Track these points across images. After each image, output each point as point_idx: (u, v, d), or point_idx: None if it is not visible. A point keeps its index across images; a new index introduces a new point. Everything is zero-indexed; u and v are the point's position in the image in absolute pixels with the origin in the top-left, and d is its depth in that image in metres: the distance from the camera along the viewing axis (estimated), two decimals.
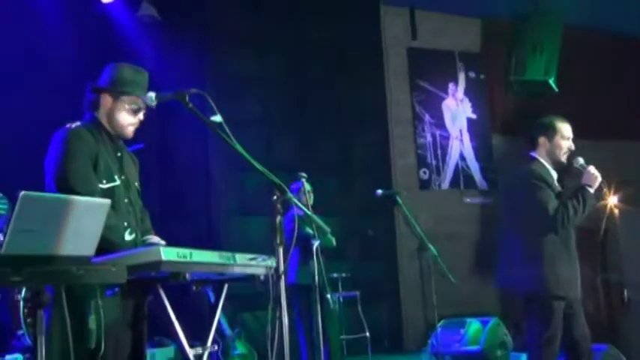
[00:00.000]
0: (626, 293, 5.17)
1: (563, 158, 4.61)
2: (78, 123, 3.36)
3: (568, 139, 4.64)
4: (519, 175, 4.65)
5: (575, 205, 4.35)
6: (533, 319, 4.49)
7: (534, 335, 4.45)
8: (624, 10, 10.31)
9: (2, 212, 5.72)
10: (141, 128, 3.63)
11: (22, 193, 2.27)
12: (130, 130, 3.47)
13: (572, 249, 4.52)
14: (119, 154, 3.46)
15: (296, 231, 5.39)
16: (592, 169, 4.50)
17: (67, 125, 3.32)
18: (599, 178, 4.47)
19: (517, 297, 4.82)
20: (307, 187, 6.98)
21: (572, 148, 4.63)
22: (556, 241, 4.41)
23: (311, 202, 7.04)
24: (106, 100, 3.42)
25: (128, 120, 3.44)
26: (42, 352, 2.42)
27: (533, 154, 4.65)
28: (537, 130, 4.67)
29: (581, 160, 4.57)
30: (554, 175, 4.58)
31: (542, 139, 4.63)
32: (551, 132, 4.62)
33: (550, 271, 4.37)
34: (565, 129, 4.64)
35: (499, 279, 4.84)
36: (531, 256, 4.42)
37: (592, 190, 4.44)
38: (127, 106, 3.42)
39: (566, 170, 4.67)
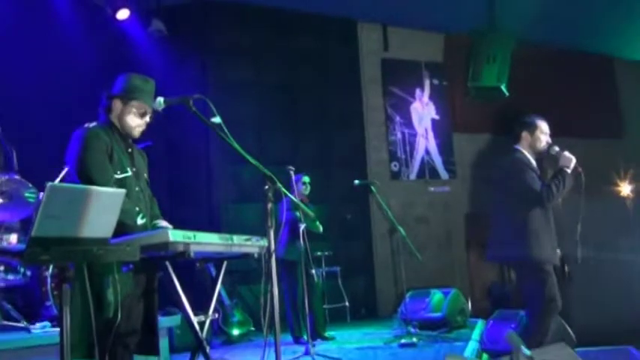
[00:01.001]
0: (567, 269, 5.22)
1: (542, 149, 4.69)
2: (94, 123, 3.36)
3: (546, 133, 4.74)
4: (507, 163, 4.69)
5: (557, 184, 4.45)
6: (529, 283, 4.55)
7: (535, 297, 4.49)
8: (566, 28, 10.39)
9: (31, 200, 5.69)
10: (151, 128, 3.62)
11: (49, 184, 2.27)
12: (137, 131, 3.46)
13: (552, 224, 4.62)
14: (129, 150, 3.46)
15: (285, 214, 5.43)
16: (567, 153, 4.59)
17: (85, 125, 3.32)
18: (574, 160, 4.55)
19: (510, 266, 4.89)
20: (306, 179, 7.03)
21: (550, 141, 4.72)
22: (539, 217, 4.50)
23: (307, 192, 7.09)
24: (117, 105, 3.40)
25: (136, 122, 3.43)
26: (67, 320, 2.42)
27: (517, 146, 4.72)
28: (521, 126, 4.74)
29: (556, 148, 4.65)
30: (534, 164, 4.65)
31: (524, 134, 4.71)
32: (532, 128, 4.71)
33: (535, 242, 4.46)
34: (543, 125, 4.74)
35: (489, 254, 4.86)
36: (520, 231, 4.50)
37: (569, 171, 4.52)
38: (134, 110, 3.41)
39: (541, 163, 4.75)
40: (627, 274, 7.39)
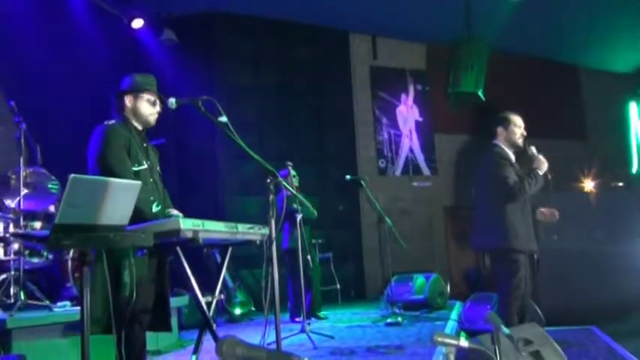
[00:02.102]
0: (535, 256, 5.21)
1: (519, 142, 4.59)
2: (113, 121, 3.33)
3: (520, 127, 4.63)
4: (488, 157, 4.60)
5: (529, 182, 4.38)
6: (501, 270, 4.47)
7: (504, 283, 4.44)
8: (536, 39, 10.42)
9: (54, 191, 5.65)
10: (162, 127, 3.60)
11: (72, 176, 2.24)
12: (153, 118, 3.44)
13: (528, 214, 4.55)
14: (145, 145, 3.43)
15: (284, 209, 5.39)
16: (541, 157, 4.54)
17: (105, 122, 3.29)
18: (547, 165, 4.50)
19: (487, 254, 4.83)
20: (293, 172, 6.97)
21: (525, 133, 4.63)
22: (515, 208, 4.42)
23: (296, 184, 7.04)
24: (129, 100, 3.39)
25: (150, 110, 3.41)
26: (87, 299, 2.39)
27: (495, 141, 4.64)
28: (496, 122, 4.65)
29: (534, 149, 4.58)
30: (513, 157, 4.60)
31: (500, 129, 4.61)
32: (506, 123, 4.62)
33: (512, 231, 4.39)
34: (517, 119, 4.64)
35: (472, 242, 4.82)
36: (497, 221, 4.43)
37: (541, 173, 4.46)
38: (146, 100, 3.40)
39: (520, 156, 4.69)
40: (590, 262, 7.42)
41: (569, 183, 10.25)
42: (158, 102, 3.44)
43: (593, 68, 12.30)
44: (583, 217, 7.79)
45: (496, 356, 1.93)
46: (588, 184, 10.84)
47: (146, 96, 3.40)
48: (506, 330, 2.00)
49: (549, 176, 4.55)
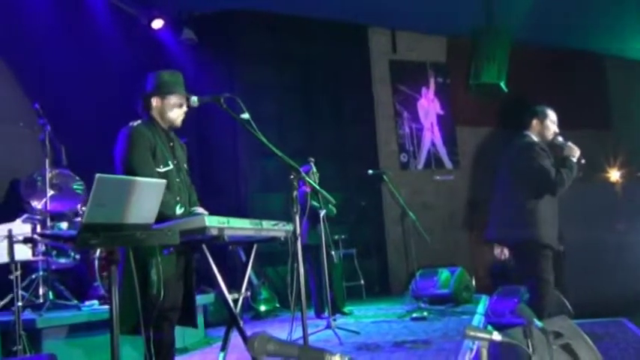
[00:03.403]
0: (562, 248, 5.12)
1: (550, 138, 4.50)
2: (139, 121, 3.32)
3: (554, 123, 4.54)
4: (520, 146, 4.46)
5: (566, 172, 4.25)
6: (530, 263, 4.35)
7: (533, 276, 4.34)
8: (560, 28, 10.26)
9: (79, 191, 5.72)
10: (185, 126, 3.60)
11: (98, 175, 2.25)
12: (180, 120, 3.42)
13: (556, 210, 4.43)
14: (171, 144, 3.42)
15: (307, 205, 5.39)
16: (571, 143, 4.42)
17: (130, 124, 3.28)
18: (578, 151, 4.38)
19: (510, 246, 4.69)
20: (314, 169, 6.98)
21: (557, 131, 4.54)
22: (547, 201, 4.32)
23: (317, 181, 7.03)
24: (156, 102, 3.36)
25: (176, 113, 3.39)
26: (115, 298, 2.41)
27: (527, 132, 4.52)
28: (531, 114, 4.54)
29: (561, 138, 4.47)
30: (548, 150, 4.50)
31: (535, 121, 4.50)
32: (542, 116, 4.51)
33: (542, 225, 4.28)
34: (553, 115, 4.55)
35: (490, 234, 4.70)
36: (527, 213, 4.29)
37: (575, 160, 4.34)
38: (173, 103, 3.38)
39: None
40: (617, 253, 7.30)
41: (594, 173, 10.10)
42: (185, 103, 3.42)
43: (618, 56, 12.09)
44: (609, 207, 7.67)
45: (529, 349, 1.90)
46: (614, 175, 10.68)
47: (174, 98, 3.37)
48: (538, 323, 1.97)
49: (582, 161, 4.41)
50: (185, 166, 3.50)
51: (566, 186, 4.28)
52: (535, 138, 4.47)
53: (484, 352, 1.77)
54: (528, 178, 4.33)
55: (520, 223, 4.34)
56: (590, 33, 10.64)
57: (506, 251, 7.14)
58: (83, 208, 5.58)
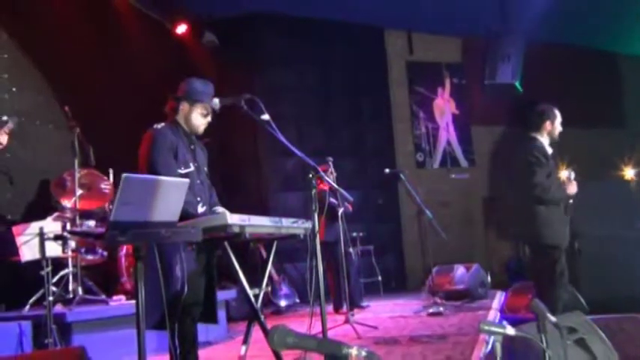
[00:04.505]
0: (577, 245, 5.09)
1: (557, 137, 4.60)
2: (162, 124, 3.36)
3: (561, 123, 4.63)
4: (526, 149, 4.53)
5: (556, 190, 4.42)
6: (541, 261, 4.45)
7: (545, 274, 4.43)
8: (573, 28, 10.15)
9: (107, 191, 5.79)
10: (207, 127, 3.62)
11: (124, 175, 2.28)
12: (202, 129, 3.46)
13: (561, 209, 4.51)
14: (192, 147, 3.45)
15: (327, 203, 5.40)
16: (575, 184, 4.53)
17: (155, 126, 3.32)
18: (575, 189, 4.50)
19: (527, 246, 4.80)
20: (331, 168, 6.99)
21: (561, 129, 4.64)
22: (548, 205, 4.40)
23: (334, 181, 7.04)
24: (184, 106, 3.40)
25: (201, 121, 3.43)
26: (141, 293, 2.44)
27: (536, 134, 4.57)
28: (543, 116, 4.59)
29: (572, 175, 4.58)
30: (550, 150, 4.54)
31: (547, 123, 4.57)
32: (553, 117, 4.58)
33: (548, 227, 4.37)
34: (559, 115, 4.63)
35: (508, 232, 4.84)
36: (533, 214, 4.41)
37: (568, 193, 4.50)
38: (199, 111, 3.41)
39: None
40: (632, 250, 7.21)
41: (609, 171, 9.98)
42: (210, 113, 3.46)
43: (632, 55, 11.94)
44: (623, 204, 7.58)
45: (543, 344, 1.90)
46: (629, 172, 10.53)
47: (201, 107, 3.41)
48: (552, 318, 1.96)
49: (570, 201, 4.54)
50: (205, 168, 3.53)
51: (548, 198, 4.40)
52: (543, 140, 4.52)
53: (498, 347, 1.77)
54: (524, 180, 4.44)
55: (525, 222, 4.46)
56: (604, 32, 10.51)
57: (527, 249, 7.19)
58: (110, 207, 5.65)
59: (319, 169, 3.42)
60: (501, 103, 10.64)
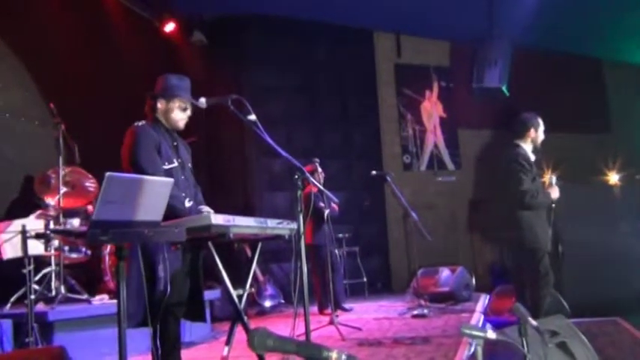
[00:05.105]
0: (561, 249, 5.14)
1: (540, 145, 4.67)
2: (144, 122, 3.35)
3: (543, 131, 4.69)
4: (510, 155, 4.59)
5: (542, 194, 4.49)
6: (525, 265, 4.51)
7: (528, 277, 4.48)
8: (559, 34, 10.23)
9: (92, 189, 5.74)
10: (194, 125, 3.60)
11: (108, 174, 2.26)
12: (182, 124, 3.44)
13: (544, 215, 4.58)
14: (175, 144, 3.44)
15: (312, 203, 5.39)
16: (556, 186, 4.61)
17: (136, 123, 3.31)
18: (557, 194, 4.58)
19: (510, 249, 4.87)
20: (319, 169, 6.99)
21: (544, 137, 4.71)
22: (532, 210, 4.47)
23: (322, 182, 7.05)
24: (162, 103, 3.39)
25: (180, 116, 3.41)
26: (123, 293, 2.42)
27: (519, 142, 4.63)
28: (528, 123, 4.65)
29: (554, 179, 4.65)
30: (533, 158, 4.60)
31: (530, 131, 4.63)
32: (537, 125, 4.64)
33: (529, 231, 4.43)
34: (542, 124, 4.70)
35: (493, 235, 4.89)
36: (516, 219, 4.46)
37: (551, 197, 4.57)
38: (177, 106, 3.40)
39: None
40: (615, 254, 7.27)
41: (593, 176, 10.07)
42: (189, 107, 3.44)
43: (616, 61, 12.06)
44: (607, 209, 7.64)
45: (523, 348, 1.90)
46: (612, 177, 10.64)
47: (178, 102, 3.39)
48: (533, 322, 1.97)
49: (553, 205, 4.62)
50: (189, 165, 3.52)
51: (535, 203, 4.48)
52: (526, 147, 4.59)
53: (479, 350, 1.77)
54: (508, 186, 4.50)
55: (510, 227, 4.54)
56: (589, 39, 10.61)
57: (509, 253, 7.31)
58: (89, 206, 5.61)
59: (305, 169, 3.41)
60: (488, 107, 10.70)
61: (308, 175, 3.49)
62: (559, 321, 3.23)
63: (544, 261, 4.42)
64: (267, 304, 7.42)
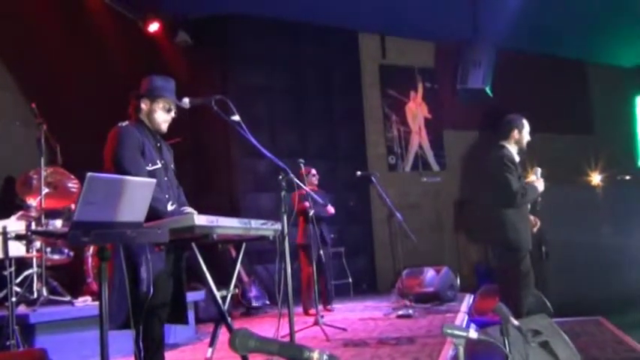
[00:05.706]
0: (544, 249, 5.17)
1: (525, 146, 4.67)
2: (127, 122, 3.33)
3: (529, 132, 4.69)
4: (495, 157, 4.59)
5: (529, 190, 4.51)
6: (507, 265, 4.52)
7: (511, 277, 4.50)
8: (543, 37, 10.34)
9: (74, 190, 5.69)
10: (178, 126, 3.59)
11: (89, 174, 2.24)
12: (165, 126, 3.41)
13: (526, 215, 4.61)
14: (158, 145, 3.41)
15: (296, 205, 5.39)
16: (541, 179, 4.63)
17: (119, 124, 3.28)
18: (542, 187, 4.59)
19: (493, 250, 4.87)
20: (313, 171, 7.06)
21: (529, 138, 4.71)
22: (516, 210, 4.48)
23: (316, 182, 7.14)
24: (146, 104, 3.37)
25: (163, 117, 3.39)
26: (105, 294, 2.40)
27: (504, 143, 4.64)
28: (512, 124, 4.65)
29: (539, 172, 4.67)
30: (518, 159, 4.62)
31: (515, 132, 4.63)
32: (521, 126, 4.65)
33: (513, 232, 4.44)
34: (527, 124, 4.70)
35: (477, 236, 4.90)
36: (500, 220, 4.47)
37: (538, 191, 4.59)
38: (161, 107, 3.38)
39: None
40: (597, 254, 7.35)
41: (576, 176, 10.18)
42: (173, 108, 3.42)
43: (599, 63, 12.20)
44: (590, 210, 7.72)
45: (505, 347, 1.92)
46: (595, 178, 10.76)
47: (162, 102, 3.37)
48: (514, 321, 1.98)
49: (539, 199, 4.66)
50: (172, 166, 3.50)
51: (525, 202, 4.52)
52: (511, 148, 4.62)
53: (461, 350, 1.78)
54: (497, 189, 4.50)
55: (495, 228, 4.54)
56: (573, 41, 10.73)
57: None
58: (72, 206, 5.56)
59: (301, 172, 3.42)
60: (473, 108, 10.77)
61: (292, 175, 3.50)
62: (542, 320, 3.27)
63: (525, 261, 4.45)
64: (253, 304, 7.41)
